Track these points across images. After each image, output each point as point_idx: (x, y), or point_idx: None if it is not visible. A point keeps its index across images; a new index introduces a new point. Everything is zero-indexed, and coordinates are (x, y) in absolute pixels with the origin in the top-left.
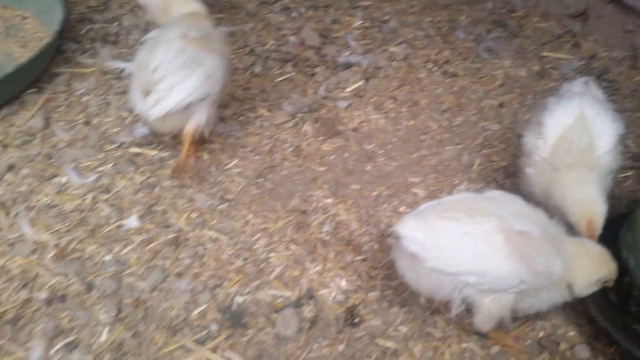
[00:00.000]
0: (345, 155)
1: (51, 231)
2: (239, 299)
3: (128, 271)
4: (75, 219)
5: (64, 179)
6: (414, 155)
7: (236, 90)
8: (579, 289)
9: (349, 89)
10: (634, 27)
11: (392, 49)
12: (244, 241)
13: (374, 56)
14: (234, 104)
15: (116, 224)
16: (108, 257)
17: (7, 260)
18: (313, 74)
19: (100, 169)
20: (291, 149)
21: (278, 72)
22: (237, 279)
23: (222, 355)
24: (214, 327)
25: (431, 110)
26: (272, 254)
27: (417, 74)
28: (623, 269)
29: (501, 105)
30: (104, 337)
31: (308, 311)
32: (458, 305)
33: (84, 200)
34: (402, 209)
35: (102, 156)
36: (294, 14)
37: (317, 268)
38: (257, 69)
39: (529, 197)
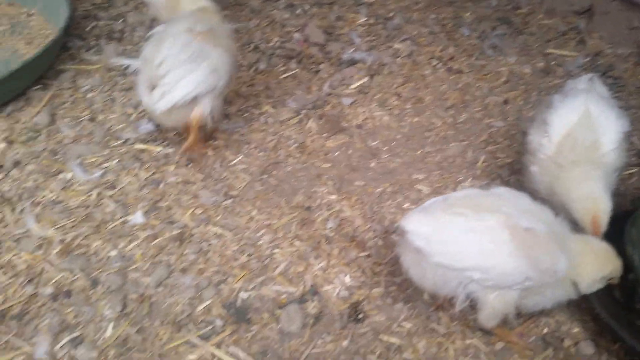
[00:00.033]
0: (350, 152)
1: (56, 227)
2: (243, 295)
3: (133, 267)
4: (81, 215)
5: (69, 175)
6: (418, 152)
7: (240, 86)
8: (583, 286)
9: (353, 86)
10: (639, 23)
11: (397, 45)
12: (249, 237)
13: (379, 53)
14: (238, 101)
15: (121, 219)
16: (113, 253)
17: (13, 256)
18: (317, 71)
19: (106, 165)
20: (295, 145)
21: (282, 68)
22: (242, 275)
23: (227, 350)
24: (218, 322)
25: (435, 107)
26: (276, 250)
27: (422, 70)
28: (628, 266)
29: (506, 102)
30: (109, 332)
31: (312, 307)
32: (462, 301)
33: (89, 196)
34: (406, 205)
35: (107, 152)
36: (298, 11)
37: (322, 264)
38: (262, 65)
39: (533, 195)
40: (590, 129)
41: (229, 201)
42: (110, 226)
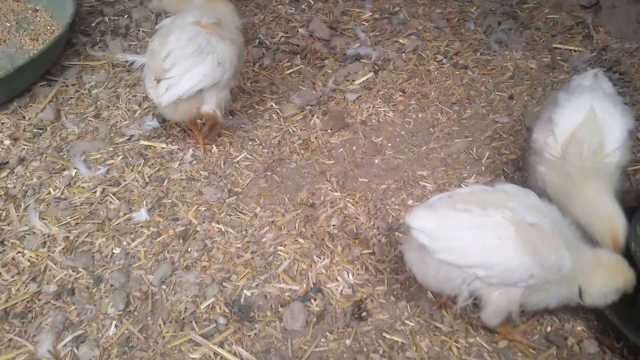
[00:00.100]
0: (354, 148)
1: (61, 224)
2: (246, 293)
3: (137, 264)
4: (85, 212)
5: (73, 172)
6: (423, 148)
7: (245, 82)
8: (592, 298)
9: (357, 82)
10: None
11: (402, 40)
12: (252, 234)
13: (383, 48)
14: (242, 97)
15: (125, 216)
16: (117, 250)
17: (17, 253)
18: (322, 66)
19: (110, 161)
20: (300, 141)
21: (287, 64)
22: (245, 273)
23: (230, 349)
24: (221, 320)
25: (440, 102)
26: (280, 247)
27: (427, 66)
28: (632, 262)
29: (511, 97)
30: (111, 330)
31: (315, 305)
32: (465, 298)
33: (93, 193)
34: (410, 202)
35: (111, 149)
36: (303, 6)
37: (325, 261)
38: (266, 61)
39: (540, 194)
40: (596, 129)
41: (233, 198)
42: (114, 223)
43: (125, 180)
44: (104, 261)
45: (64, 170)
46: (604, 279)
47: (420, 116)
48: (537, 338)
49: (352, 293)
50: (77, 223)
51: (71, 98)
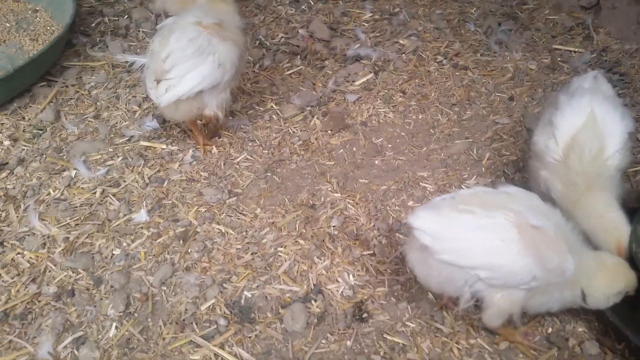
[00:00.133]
0: (354, 149)
1: (60, 225)
2: (247, 294)
3: (137, 265)
4: (85, 213)
5: (73, 173)
6: (423, 149)
7: (245, 83)
8: (595, 301)
9: (358, 82)
10: None
11: (402, 41)
12: (253, 235)
13: (384, 49)
14: (242, 98)
15: (125, 217)
16: (117, 251)
17: (17, 255)
18: (322, 67)
19: (110, 162)
20: (300, 142)
21: (287, 65)
22: (246, 274)
23: (230, 351)
24: (222, 322)
25: (441, 103)
26: (280, 249)
27: (427, 67)
28: (633, 264)
29: (511, 98)
30: (112, 332)
31: (316, 306)
32: (467, 299)
33: (93, 194)
34: (410, 203)
35: (111, 150)
36: (303, 7)
37: (326, 263)
38: (266, 62)
39: (543, 197)
40: (596, 133)
41: (233, 199)
42: (114, 224)
43: (125, 181)
44: (104, 262)
45: (63, 171)
46: (606, 282)
47: (420, 117)
48: (538, 339)
49: (352, 294)
50: (77, 224)
51: (71, 99)
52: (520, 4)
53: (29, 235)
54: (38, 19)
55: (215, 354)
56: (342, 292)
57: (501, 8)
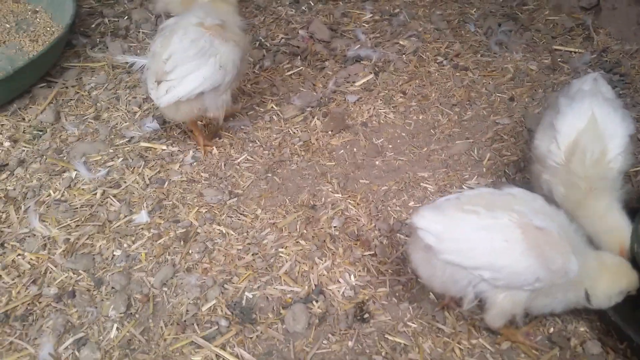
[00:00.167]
0: (354, 150)
1: (61, 226)
2: (248, 295)
3: (138, 266)
4: (85, 214)
5: (73, 174)
6: (424, 150)
7: (245, 84)
8: (599, 301)
9: (358, 83)
10: None
11: (402, 42)
12: (253, 236)
13: (384, 50)
14: (243, 99)
15: (126, 219)
16: (118, 253)
17: (17, 256)
18: (322, 68)
19: (110, 163)
20: (300, 143)
21: (287, 66)
22: (247, 275)
23: (232, 352)
24: (223, 323)
25: (441, 104)
26: (281, 249)
27: (427, 67)
28: (635, 264)
29: (512, 99)
30: (113, 333)
31: (317, 307)
32: (471, 300)
33: (93, 195)
34: (411, 203)
35: (112, 151)
36: (303, 8)
37: (327, 263)
38: (267, 63)
39: (545, 199)
40: (597, 136)
41: (234, 200)
42: (115, 225)
43: (125, 182)
44: (104, 263)
45: (64, 172)
46: (608, 282)
47: (420, 118)
48: (540, 339)
49: (354, 295)
50: (78, 225)
51: (71, 100)
52: (520, 4)
53: (29, 236)
54: (38, 19)
55: (216, 355)
56: (343, 292)
57: (501, 9)
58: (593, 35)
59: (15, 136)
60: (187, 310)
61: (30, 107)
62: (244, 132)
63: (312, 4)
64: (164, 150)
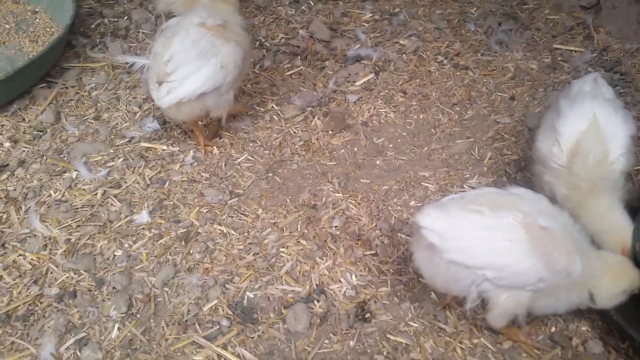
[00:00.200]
0: (355, 149)
1: (62, 226)
2: (249, 294)
3: (139, 266)
4: (86, 214)
5: (74, 174)
6: (424, 149)
7: (246, 84)
8: (604, 300)
9: (358, 83)
10: None
11: (402, 41)
12: (254, 236)
13: (384, 49)
14: (243, 98)
15: (127, 219)
16: (119, 253)
17: (18, 256)
18: (322, 68)
19: (111, 163)
20: (301, 143)
21: (287, 65)
22: (248, 274)
23: (233, 351)
24: (224, 322)
25: (441, 103)
26: (282, 249)
27: (428, 67)
28: (636, 262)
29: (512, 98)
30: (114, 333)
31: (319, 306)
32: (474, 300)
33: (94, 195)
34: (412, 203)
35: (112, 151)
36: (303, 7)
37: (328, 263)
38: (267, 62)
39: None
40: (599, 138)
41: (235, 200)
42: (116, 225)
43: (126, 182)
44: (105, 264)
45: (64, 172)
46: (611, 281)
47: (421, 117)
48: (542, 338)
49: (355, 294)
50: (79, 225)
51: (71, 100)
52: (520, 3)
53: (30, 236)
54: (38, 20)
55: (218, 355)
56: (344, 292)
57: (501, 8)
58: (593, 34)
59: (15, 137)
60: (189, 310)
61: (31, 108)
62: (245, 132)
63: (312, 4)
64: (165, 150)
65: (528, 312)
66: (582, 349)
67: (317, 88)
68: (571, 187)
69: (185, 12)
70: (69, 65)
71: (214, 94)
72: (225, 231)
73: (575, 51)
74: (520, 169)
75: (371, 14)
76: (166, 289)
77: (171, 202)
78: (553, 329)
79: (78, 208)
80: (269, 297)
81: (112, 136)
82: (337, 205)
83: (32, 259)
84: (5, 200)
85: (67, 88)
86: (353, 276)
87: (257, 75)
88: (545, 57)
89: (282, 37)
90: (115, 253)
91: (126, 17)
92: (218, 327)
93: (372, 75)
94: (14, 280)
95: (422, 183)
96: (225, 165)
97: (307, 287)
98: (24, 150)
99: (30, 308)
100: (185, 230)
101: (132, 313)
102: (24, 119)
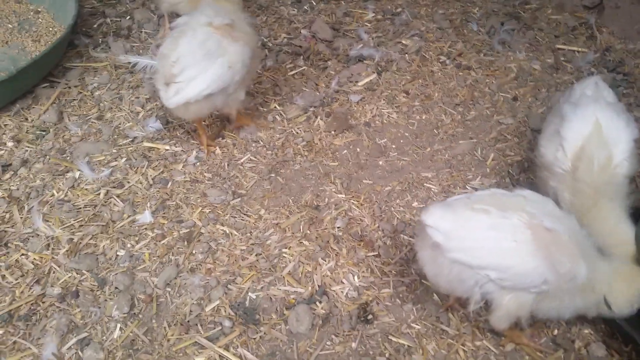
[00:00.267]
0: (358, 150)
1: (64, 226)
2: (252, 295)
3: (141, 266)
4: (89, 214)
5: (77, 174)
6: (427, 150)
7: (248, 84)
8: (621, 307)
9: (361, 83)
10: None
11: (405, 41)
12: (257, 237)
13: (386, 49)
14: (246, 98)
15: (129, 219)
16: (121, 253)
17: (21, 256)
18: (325, 68)
19: (114, 163)
20: (303, 143)
21: (290, 65)
22: (250, 275)
23: (235, 352)
24: (227, 323)
25: (444, 103)
26: (284, 250)
27: (430, 67)
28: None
29: (515, 98)
30: (116, 333)
31: (321, 307)
32: (477, 301)
33: (97, 195)
34: (415, 204)
35: (115, 151)
36: (305, 7)
37: (330, 264)
38: (269, 62)
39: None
40: (602, 143)
41: (237, 200)
42: (119, 225)
43: (129, 182)
44: (108, 263)
45: (67, 172)
46: (626, 287)
47: (424, 117)
48: (544, 341)
49: (357, 296)
50: (81, 225)
51: (74, 100)
52: (522, 3)
53: (33, 236)
54: (40, 20)
55: (220, 356)
56: (346, 293)
57: (504, 8)
58: (596, 34)
59: (18, 136)
60: (191, 311)
61: (33, 107)
62: (247, 132)
63: (314, 4)
64: (167, 150)
65: (531, 314)
66: (584, 352)
67: (320, 88)
68: (576, 192)
69: (191, 11)
70: (72, 65)
71: (222, 93)
72: (227, 231)
73: (578, 51)
74: (523, 170)
75: (373, 14)
76: (168, 289)
77: (174, 202)
78: (556, 331)
79: (81, 208)
80: (271, 298)
81: (115, 136)
82: (340, 206)
83: (34, 259)
84: (8, 199)
85: (69, 88)
86: (355, 277)
87: (259, 75)
88: (547, 57)
89: (285, 37)
90: (118, 253)
91: (128, 17)
92: (220, 327)
93: (374, 75)
94: (17, 279)
95: (425, 184)
96: (227, 165)
97: (310, 288)
98: (27, 150)
99: (32, 308)
100: (187, 230)
101: (134, 313)
102: (26, 119)
